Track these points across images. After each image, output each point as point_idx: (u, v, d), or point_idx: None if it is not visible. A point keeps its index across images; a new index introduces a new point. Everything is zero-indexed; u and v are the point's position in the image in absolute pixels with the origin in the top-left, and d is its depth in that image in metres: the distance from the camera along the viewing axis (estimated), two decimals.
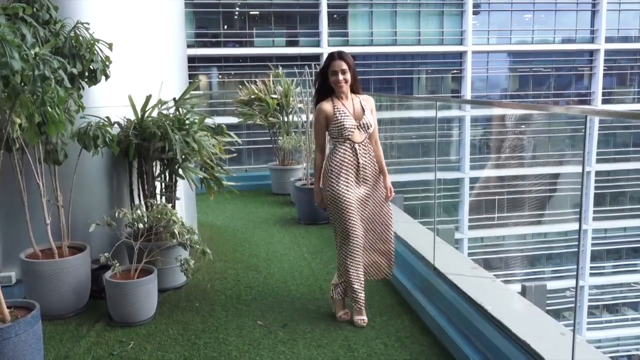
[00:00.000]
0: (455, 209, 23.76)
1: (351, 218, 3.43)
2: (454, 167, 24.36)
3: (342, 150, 3.45)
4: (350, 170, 3.45)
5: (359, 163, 3.45)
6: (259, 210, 7.09)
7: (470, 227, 23.30)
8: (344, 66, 3.41)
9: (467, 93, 25.38)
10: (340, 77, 3.40)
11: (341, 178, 3.43)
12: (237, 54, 24.41)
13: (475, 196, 24.14)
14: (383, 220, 3.61)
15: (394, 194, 3.67)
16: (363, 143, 3.48)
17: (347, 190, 3.43)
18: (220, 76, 25.67)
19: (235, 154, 4.61)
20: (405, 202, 6.66)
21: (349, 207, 3.42)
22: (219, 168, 4.40)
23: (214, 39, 24.23)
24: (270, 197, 7.87)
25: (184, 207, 4.90)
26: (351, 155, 3.45)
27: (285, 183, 7.73)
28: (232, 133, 4.56)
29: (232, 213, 6.94)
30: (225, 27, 24.59)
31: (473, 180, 24.14)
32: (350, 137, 3.44)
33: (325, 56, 23.40)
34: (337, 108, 3.44)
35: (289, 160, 7.99)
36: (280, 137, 7.93)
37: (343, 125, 3.41)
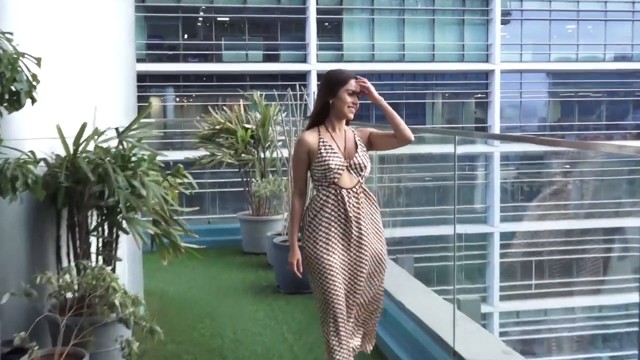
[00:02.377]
0: (481, 274, 23.73)
1: (332, 288, 3.38)
2: (479, 218, 24.46)
3: (324, 198, 3.43)
4: (332, 225, 3.41)
5: (347, 216, 3.41)
6: (225, 274, 7.04)
7: (502, 298, 23.22)
8: (358, 90, 3.48)
9: (495, 123, 25.74)
10: (356, 100, 3.47)
11: (320, 234, 3.42)
12: (201, 71, 24.72)
13: (508, 257, 24.17)
14: (373, 295, 3.59)
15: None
16: (354, 189, 3.45)
17: (328, 251, 3.40)
18: (177, 99, 25.90)
19: (197, 207, 4.62)
20: (417, 264, 6.68)
21: (329, 273, 3.38)
22: (174, 223, 4.39)
23: (170, 52, 24.57)
24: (240, 257, 7.83)
25: (127, 270, 4.87)
26: (335, 204, 3.42)
27: (260, 239, 7.72)
28: (189, 175, 4.59)
29: (190, 278, 6.88)
30: (186, 36, 24.99)
31: (505, 236, 24.20)
32: (336, 180, 3.43)
33: (313, 75, 23.63)
34: (323, 142, 3.45)
35: (265, 209, 8.01)
36: (254, 179, 7.97)
37: (327, 164, 3.41)
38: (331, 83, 3.48)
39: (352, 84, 3.44)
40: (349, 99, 3.43)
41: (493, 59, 25.69)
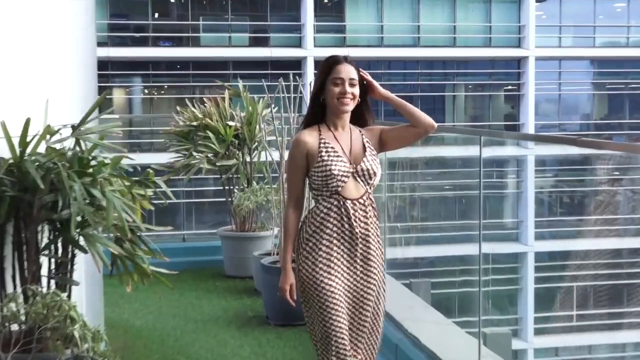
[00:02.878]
0: (512, 303, 23.73)
1: (334, 320, 3.38)
2: (509, 235, 24.47)
3: (325, 211, 3.43)
4: (335, 243, 3.42)
5: (352, 233, 3.42)
6: (204, 302, 7.05)
7: (537, 332, 23.22)
8: (353, 75, 3.45)
9: (529, 121, 25.78)
10: (348, 88, 3.43)
11: (320, 255, 3.41)
12: (174, 57, 24.75)
13: (544, 282, 24.18)
14: (373, 323, 3.59)
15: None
16: (360, 201, 3.44)
17: (330, 275, 3.40)
18: (146, 91, 25.91)
19: (170, 228, 4.62)
20: (434, 290, 6.70)
21: (330, 301, 3.38)
22: (140, 242, 4.39)
23: (137, 34, 24.62)
24: (221, 281, 7.84)
25: (85, 298, 4.86)
26: (339, 218, 3.42)
27: (245, 259, 7.72)
28: (162, 183, 4.58)
29: (161, 306, 6.87)
30: (157, 15, 25.04)
31: (540, 256, 24.20)
32: (340, 189, 3.43)
33: (310, 62, 23.65)
34: (325, 143, 3.45)
35: (251, 223, 8.01)
36: (238, 188, 7.98)
37: (330, 170, 3.40)
38: (318, 74, 3.51)
39: (340, 71, 3.43)
40: (335, 90, 3.42)
41: (526, 43, 25.75)
